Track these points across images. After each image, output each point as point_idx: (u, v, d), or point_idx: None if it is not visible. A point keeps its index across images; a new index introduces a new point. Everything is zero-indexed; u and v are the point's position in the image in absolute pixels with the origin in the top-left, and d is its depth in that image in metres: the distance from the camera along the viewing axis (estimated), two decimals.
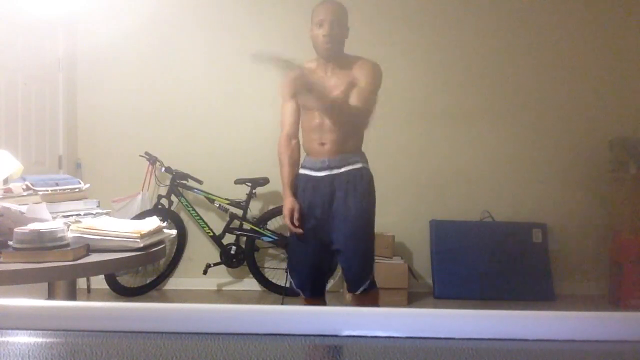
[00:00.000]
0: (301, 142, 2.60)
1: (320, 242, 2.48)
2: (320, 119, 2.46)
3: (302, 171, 2.54)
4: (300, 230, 2.46)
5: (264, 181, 4.29)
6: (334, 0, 2.52)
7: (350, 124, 2.47)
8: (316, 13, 2.50)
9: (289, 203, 2.48)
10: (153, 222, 1.93)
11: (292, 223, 2.46)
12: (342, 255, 2.49)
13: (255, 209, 4.50)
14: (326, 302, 2.75)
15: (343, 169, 2.46)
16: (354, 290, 2.50)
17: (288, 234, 2.68)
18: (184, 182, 4.36)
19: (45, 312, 0.63)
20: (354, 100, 2.41)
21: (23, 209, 1.79)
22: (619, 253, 4.22)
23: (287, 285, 2.75)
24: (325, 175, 2.45)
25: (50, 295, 2.05)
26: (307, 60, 2.57)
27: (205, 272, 4.33)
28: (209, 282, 4.52)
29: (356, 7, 4.50)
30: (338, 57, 2.49)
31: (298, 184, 2.52)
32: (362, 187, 2.47)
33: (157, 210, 4.23)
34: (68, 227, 1.78)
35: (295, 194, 2.51)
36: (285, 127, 2.57)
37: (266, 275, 4.47)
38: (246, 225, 4.33)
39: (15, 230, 1.65)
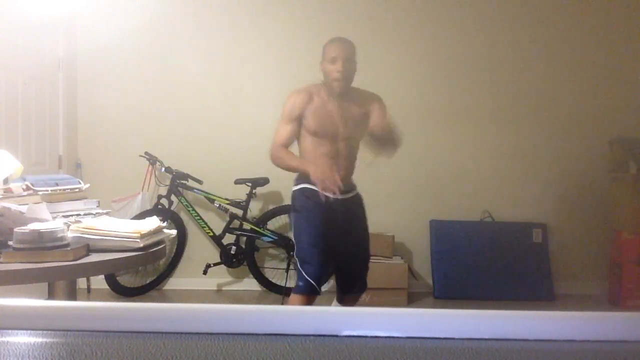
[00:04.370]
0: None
1: (330, 251, 2.68)
2: (334, 147, 2.66)
3: (312, 187, 2.61)
4: (340, 183, 2.48)
5: (264, 181, 4.29)
6: (345, 38, 2.69)
7: (355, 152, 2.76)
8: (328, 50, 2.65)
9: (319, 167, 2.53)
10: (153, 222, 1.93)
11: (335, 178, 2.49)
12: (350, 262, 2.81)
13: (255, 209, 4.50)
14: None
15: (349, 194, 2.73)
16: (355, 290, 2.88)
17: (301, 239, 2.70)
18: (184, 182, 4.36)
19: (45, 312, 0.63)
20: (378, 126, 2.68)
21: (23, 209, 1.79)
22: (619, 253, 4.22)
23: (300, 283, 2.66)
24: (340, 199, 2.61)
25: (50, 295, 2.06)
26: (314, 85, 2.72)
27: (205, 272, 4.33)
28: (209, 282, 4.52)
29: (357, 6, 4.52)
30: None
31: (308, 199, 2.66)
32: (362, 209, 2.84)
33: (157, 210, 4.23)
34: (68, 227, 1.78)
35: (304, 206, 2.68)
36: (281, 141, 2.67)
37: (266, 275, 4.47)
38: (246, 226, 4.33)
39: (15, 230, 1.65)
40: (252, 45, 4.55)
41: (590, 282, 4.51)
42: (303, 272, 2.63)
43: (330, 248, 2.67)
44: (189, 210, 4.37)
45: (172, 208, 4.39)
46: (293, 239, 2.76)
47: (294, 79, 4.48)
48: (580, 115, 4.55)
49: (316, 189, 2.57)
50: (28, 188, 1.96)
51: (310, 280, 2.60)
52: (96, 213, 2.09)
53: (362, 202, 2.84)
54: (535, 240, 4.47)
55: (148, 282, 4.42)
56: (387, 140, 2.70)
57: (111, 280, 4.21)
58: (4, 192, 1.92)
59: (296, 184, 2.74)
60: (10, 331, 0.59)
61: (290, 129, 2.67)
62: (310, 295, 2.63)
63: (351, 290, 2.87)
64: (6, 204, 1.80)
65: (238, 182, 4.29)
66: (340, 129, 2.66)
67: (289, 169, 2.69)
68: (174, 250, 4.48)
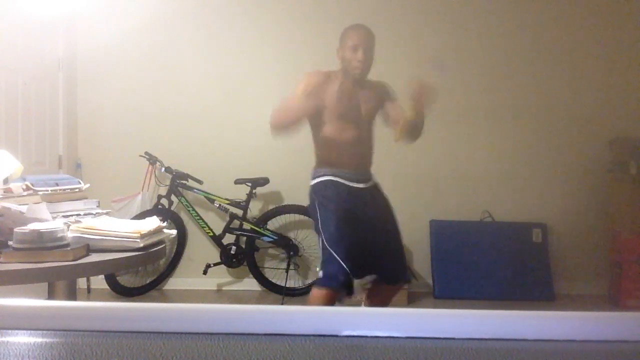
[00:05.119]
0: (321, 155, 2.65)
1: (360, 244, 2.57)
2: (357, 132, 2.60)
3: (335, 179, 2.59)
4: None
5: (264, 181, 4.29)
6: (365, 25, 2.65)
7: (373, 137, 2.71)
8: (350, 37, 2.58)
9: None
10: (153, 222, 1.93)
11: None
12: (387, 256, 2.70)
13: (255, 209, 4.50)
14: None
15: (371, 182, 2.70)
16: (402, 280, 2.84)
17: (330, 225, 2.56)
18: (184, 182, 4.36)
19: (45, 312, 0.63)
20: (399, 114, 2.68)
21: (23, 209, 1.79)
22: (619, 253, 4.22)
23: (325, 274, 2.52)
24: (365, 187, 2.64)
25: (50, 295, 2.05)
26: (334, 71, 2.65)
27: (205, 272, 4.33)
28: (209, 282, 4.52)
29: (357, 5, 4.52)
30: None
31: (333, 190, 2.59)
32: (385, 198, 2.78)
33: (157, 210, 4.23)
34: (68, 227, 1.78)
35: (328, 198, 2.58)
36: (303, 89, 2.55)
37: (266, 275, 4.47)
38: (246, 225, 4.33)
39: (15, 230, 1.65)
40: (252, 45, 4.54)
41: (590, 282, 4.51)
42: (331, 262, 2.50)
43: (360, 240, 2.56)
44: (189, 210, 4.37)
45: (172, 208, 4.39)
46: (321, 231, 2.59)
47: (295, 78, 4.48)
48: (580, 115, 4.55)
49: (339, 180, 2.56)
50: (28, 188, 1.96)
51: (337, 273, 2.47)
52: (96, 213, 2.09)
53: (382, 191, 2.77)
54: (535, 240, 4.47)
55: (148, 282, 4.42)
56: (415, 127, 2.71)
57: (111, 280, 4.21)
58: (4, 192, 1.92)
59: (316, 177, 2.65)
60: (10, 331, 0.59)
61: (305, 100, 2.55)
62: (334, 290, 2.48)
63: (392, 281, 2.77)
64: (6, 204, 1.80)
65: (238, 182, 4.29)
66: (363, 113, 2.64)
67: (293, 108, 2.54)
68: (174, 250, 4.48)
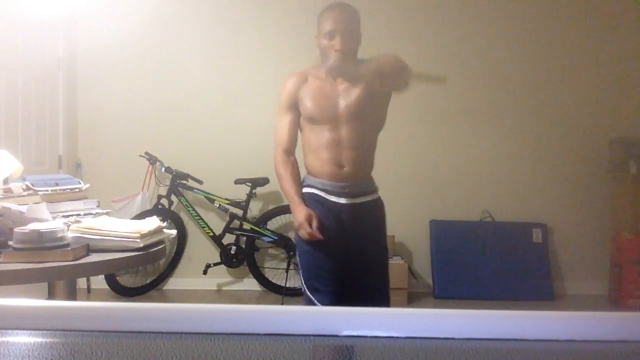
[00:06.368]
0: (305, 162, 2.26)
1: (342, 274, 2.18)
2: (335, 134, 2.14)
3: (313, 191, 2.19)
4: (321, 237, 2.10)
5: (264, 181, 4.29)
6: (345, 4, 2.22)
7: (367, 140, 2.22)
8: (325, 21, 2.16)
9: (302, 211, 2.12)
10: (153, 222, 1.93)
11: (311, 232, 2.10)
12: (353, 285, 2.22)
13: (255, 209, 4.50)
14: None
15: (365, 199, 2.21)
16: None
17: (301, 249, 2.22)
18: (184, 182, 4.36)
19: (45, 312, 0.63)
20: (371, 107, 2.20)
21: (23, 209, 1.79)
22: (619, 253, 4.22)
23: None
24: (348, 204, 2.16)
25: (50, 295, 2.06)
26: (312, 67, 2.26)
27: (205, 272, 4.33)
28: (209, 282, 4.52)
29: (355, 4, 4.52)
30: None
31: (313, 207, 2.16)
32: (382, 221, 2.28)
33: (157, 210, 4.23)
34: (68, 227, 1.78)
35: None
36: (282, 142, 2.23)
37: (266, 275, 4.47)
38: (246, 225, 4.33)
39: (15, 230, 1.65)
40: (252, 44, 4.54)
41: (590, 282, 4.51)
42: (317, 304, 2.13)
43: (342, 269, 2.17)
44: (189, 210, 4.37)
45: (172, 208, 4.39)
46: (298, 260, 2.27)
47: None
48: (580, 115, 4.55)
49: (319, 193, 2.17)
50: (28, 188, 1.96)
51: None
52: (96, 213, 2.09)
53: (382, 210, 2.27)
54: (535, 240, 4.47)
55: (148, 282, 4.42)
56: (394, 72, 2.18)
57: (111, 280, 4.21)
58: (4, 192, 1.92)
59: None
60: (10, 331, 0.59)
61: (289, 119, 2.20)
62: None
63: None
64: (6, 204, 1.80)
65: (238, 182, 4.29)
66: (341, 111, 2.13)
67: (282, 190, 2.25)
68: (174, 250, 4.47)
